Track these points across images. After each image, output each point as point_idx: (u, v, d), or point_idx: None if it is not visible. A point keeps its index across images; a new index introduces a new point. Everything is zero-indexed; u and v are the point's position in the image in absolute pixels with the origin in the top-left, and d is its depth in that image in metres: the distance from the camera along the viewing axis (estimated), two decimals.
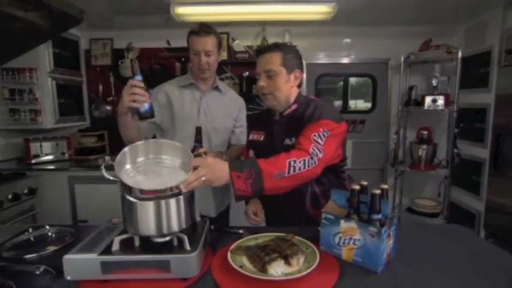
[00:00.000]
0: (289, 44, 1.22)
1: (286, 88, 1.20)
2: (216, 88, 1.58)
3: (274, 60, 1.17)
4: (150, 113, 1.10)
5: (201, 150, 1.19)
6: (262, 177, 0.95)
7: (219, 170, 0.95)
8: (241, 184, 0.94)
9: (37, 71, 2.53)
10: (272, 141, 1.23)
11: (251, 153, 1.35)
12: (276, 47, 1.19)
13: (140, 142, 0.98)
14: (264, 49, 1.20)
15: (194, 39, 1.42)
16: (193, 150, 1.20)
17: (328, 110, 1.16)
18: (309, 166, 1.00)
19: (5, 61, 1.79)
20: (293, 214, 1.24)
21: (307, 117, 1.13)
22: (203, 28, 1.41)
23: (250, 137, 1.37)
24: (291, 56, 1.19)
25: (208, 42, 1.41)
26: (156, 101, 1.44)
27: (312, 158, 1.01)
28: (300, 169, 0.99)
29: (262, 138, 1.30)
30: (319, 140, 1.05)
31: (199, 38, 1.41)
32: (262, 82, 1.19)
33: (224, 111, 1.59)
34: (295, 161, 0.99)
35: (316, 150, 1.03)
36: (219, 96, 1.59)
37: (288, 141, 1.17)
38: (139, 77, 1.09)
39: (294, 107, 1.23)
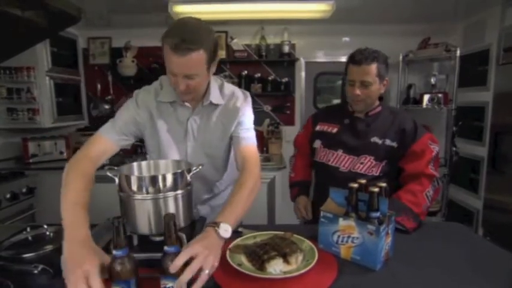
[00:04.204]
0: (380, 52, 1.25)
1: (376, 95, 1.30)
2: (210, 104, 1.11)
3: (371, 72, 1.23)
4: None
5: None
6: (420, 218, 1.17)
7: None
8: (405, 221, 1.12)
9: (35, 69, 2.52)
10: (352, 136, 1.32)
11: (317, 143, 1.39)
12: (373, 58, 1.23)
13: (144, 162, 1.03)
14: (362, 59, 1.24)
15: (170, 57, 0.93)
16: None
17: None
18: (434, 188, 1.23)
19: (3, 60, 1.79)
20: None
21: (410, 131, 1.26)
22: (182, 45, 0.89)
23: (319, 127, 1.42)
24: (384, 65, 1.26)
25: (190, 63, 0.92)
26: (135, 113, 1.10)
27: (435, 181, 1.23)
28: (431, 194, 1.21)
29: (335, 130, 1.37)
30: (433, 164, 1.24)
31: (177, 58, 0.91)
32: (357, 91, 1.26)
33: (218, 127, 1.14)
34: (428, 191, 1.20)
35: (435, 172, 1.23)
36: (212, 110, 1.13)
37: (376, 140, 1.28)
38: (121, 252, 0.66)
39: (378, 109, 1.34)
